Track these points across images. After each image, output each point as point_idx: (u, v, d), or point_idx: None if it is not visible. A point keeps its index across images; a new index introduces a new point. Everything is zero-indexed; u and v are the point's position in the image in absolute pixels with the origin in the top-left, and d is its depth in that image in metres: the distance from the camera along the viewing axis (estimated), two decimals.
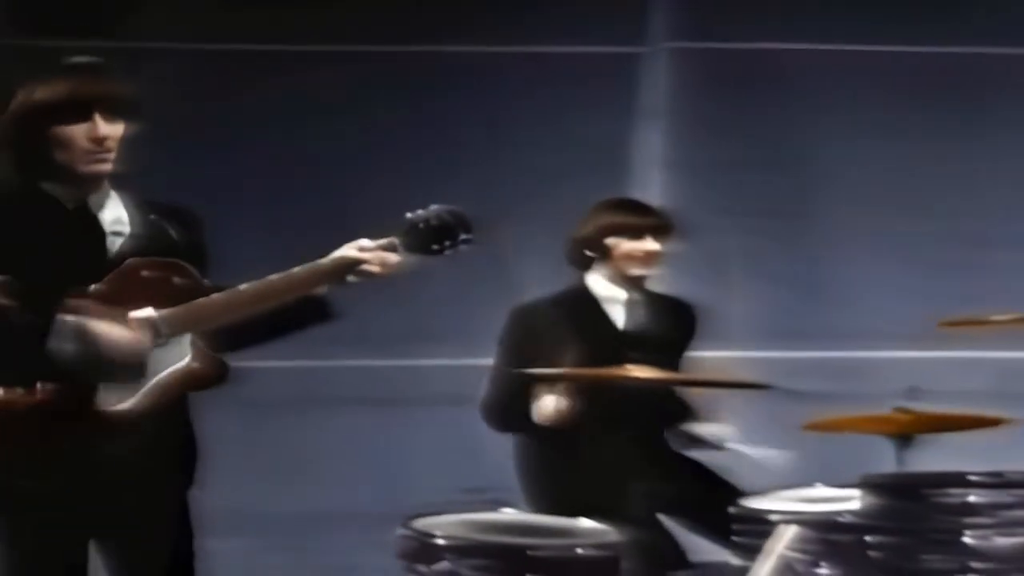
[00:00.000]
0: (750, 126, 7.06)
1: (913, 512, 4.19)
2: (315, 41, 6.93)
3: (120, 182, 3.88)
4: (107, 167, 3.77)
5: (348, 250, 3.84)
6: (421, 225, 3.87)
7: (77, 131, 3.72)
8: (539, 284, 5.48)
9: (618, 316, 5.14)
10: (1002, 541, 4.13)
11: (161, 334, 3.73)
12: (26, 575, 3.72)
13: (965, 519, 4.13)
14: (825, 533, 4.25)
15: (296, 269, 3.83)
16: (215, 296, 3.78)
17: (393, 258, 3.85)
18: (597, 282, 5.17)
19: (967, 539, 4.14)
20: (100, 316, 3.67)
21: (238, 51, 6.93)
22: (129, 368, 3.68)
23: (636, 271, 5.12)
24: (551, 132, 6.97)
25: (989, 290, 5.82)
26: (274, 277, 3.82)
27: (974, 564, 4.13)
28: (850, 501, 4.29)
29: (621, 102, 7.10)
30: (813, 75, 7.02)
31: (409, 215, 3.90)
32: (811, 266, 6.93)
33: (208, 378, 3.81)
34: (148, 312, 3.72)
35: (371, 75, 6.93)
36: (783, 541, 4.21)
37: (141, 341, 3.70)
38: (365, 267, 3.84)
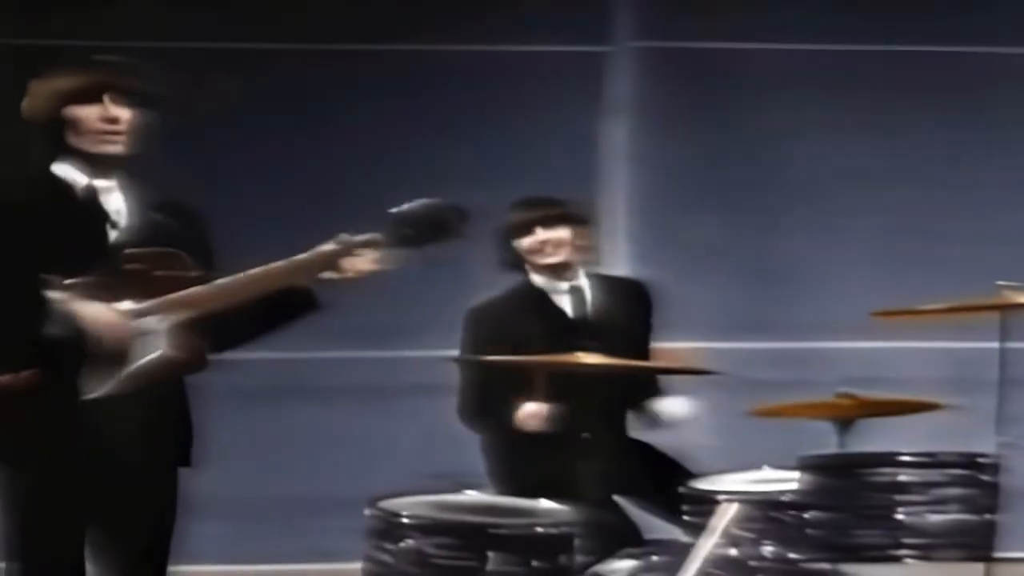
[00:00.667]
0: (711, 123, 7.23)
1: (848, 490, 4.28)
2: (294, 40, 7.06)
3: (126, 175, 4.02)
4: (118, 148, 3.92)
5: (327, 245, 3.94)
6: (405, 219, 3.94)
7: (89, 112, 3.89)
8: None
9: (566, 305, 5.20)
10: (933, 518, 4.24)
11: (144, 323, 3.85)
12: (25, 549, 3.87)
13: (897, 497, 4.23)
14: (767, 511, 4.36)
15: (275, 263, 3.94)
16: (197, 288, 3.90)
17: (367, 260, 3.94)
18: (537, 277, 5.23)
19: (899, 516, 4.24)
20: (89, 303, 3.80)
21: (223, 50, 7.03)
22: (113, 354, 3.81)
23: (543, 261, 5.14)
24: (521, 129, 7.14)
25: (938, 281, 5.93)
26: (254, 270, 3.93)
27: (906, 540, 4.23)
28: (792, 482, 4.37)
29: (587, 99, 7.27)
30: (773, 73, 7.22)
31: (395, 210, 3.96)
32: (770, 259, 7.10)
33: (187, 365, 3.93)
34: (133, 303, 3.85)
35: (346, 74, 7.04)
36: (726, 518, 4.34)
37: (126, 329, 3.83)
38: (341, 263, 3.92)
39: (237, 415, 6.57)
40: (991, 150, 6.88)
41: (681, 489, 4.60)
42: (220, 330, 3.93)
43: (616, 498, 5.03)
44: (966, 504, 4.26)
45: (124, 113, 3.93)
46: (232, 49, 7.07)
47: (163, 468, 4.00)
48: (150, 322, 3.88)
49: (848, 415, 4.74)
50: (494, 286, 5.35)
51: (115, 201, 3.98)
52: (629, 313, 5.24)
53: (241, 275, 3.93)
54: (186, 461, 4.06)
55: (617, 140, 7.32)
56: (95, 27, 6.61)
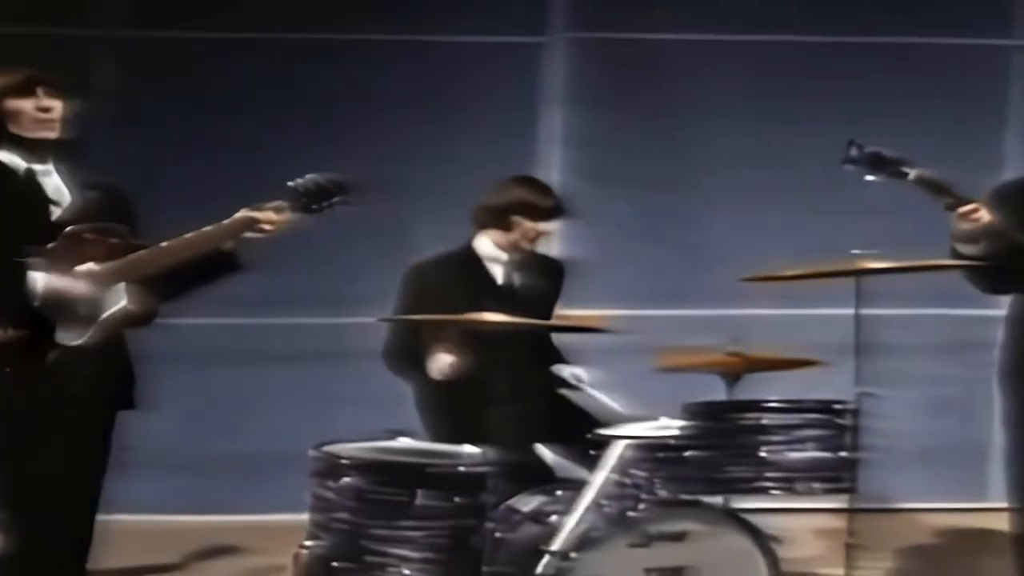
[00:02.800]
0: (639, 108, 7.53)
1: (721, 432, 4.79)
2: (240, 30, 7.31)
3: (60, 158, 4.50)
4: (52, 134, 4.45)
5: (245, 211, 4.48)
6: (300, 190, 4.51)
7: (25, 104, 4.43)
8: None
9: (498, 274, 5.61)
10: (792, 455, 4.75)
11: (104, 283, 4.38)
12: (16, 487, 4.39)
13: (762, 437, 4.74)
14: (654, 452, 4.85)
15: (206, 228, 4.48)
16: (143, 251, 4.42)
17: (278, 217, 4.49)
18: (485, 244, 5.60)
19: (763, 453, 4.76)
20: (56, 270, 4.33)
21: (162, 39, 7.28)
22: (83, 312, 4.36)
23: (527, 246, 5.59)
24: (462, 113, 7.41)
25: (833, 250, 6.13)
26: (189, 234, 4.46)
27: (769, 474, 4.75)
28: (678, 427, 4.88)
29: (525, 87, 7.57)
30: (694, 62, 7.52)
31: (290, 182, 4.52)
32: (688, 233, 7.42)
33: (142, 317, 4.48)
34: (92, 266, 4.38)
35: (290, 62, 7.31)
36: (614, 457, 4.86)
37: (90, 290, 4.37)
38: (258, 225, 4.47)
39: (194, 378, 7.02)
40: (892, 133, 6.82)
41: (588, 436, 5.07)
42: (165, 286, 4.48)
43: (534, 444, 5.45)
44: (823, 443, 4.75)
45: (56, 103, 4.44)
46: (173, 39, 7.26)
47: (114, 410, 4.53)
48: (109, 283, 4.39)
49: (736, 370, 5.11)
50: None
51: (53, 182, 4.48)
52: (547, 286, 5.69)
53: (179, 238, 4.43)
54: (131, 404, 4.57)
55: (552, 124, 7.56)
56: (29, 15, 6.89)
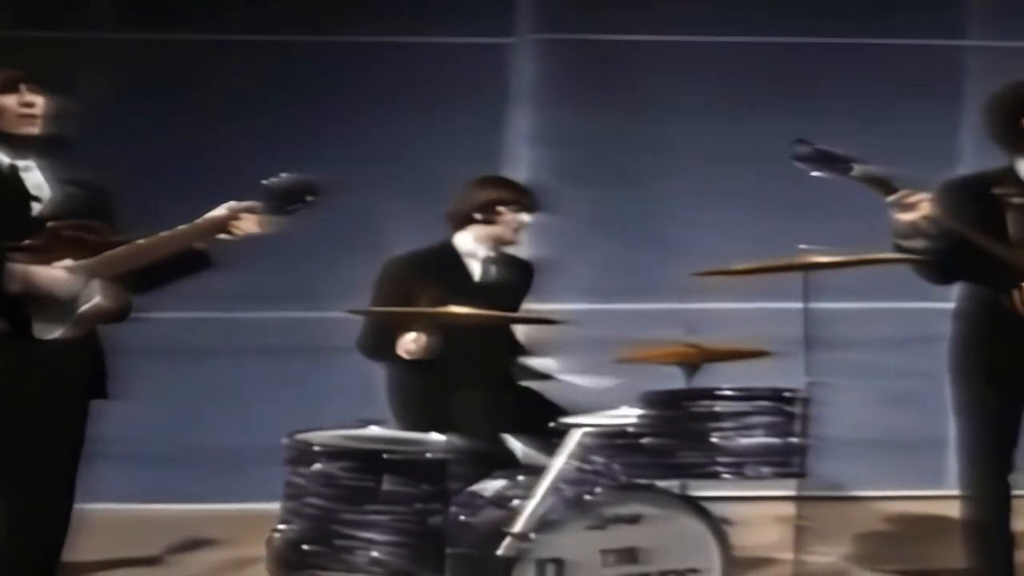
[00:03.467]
0: (604, 108, 7.65)
1: (675, 420, 4.94)
2: (213, 33, 7.46)
3: (42, 154, 4.60)
4: (34, 130, 4.55)
5: (219, 210, 4.57)
6: (274, 190, 4.59)
7: (9, 100, 4.48)
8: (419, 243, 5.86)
9: (476, 270, 5.77)
10: (743, 441, 4.90)
11: (81, 279, 4.47)
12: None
13: (713, 424, 4.89)
14: (613, 439, 5.00)
15: (181, 226, 4.58)
16: (121, 248, 4.51)
17: (252, 223, 4.57)
18: (464, 241, 5.76)
19: (715, 439, 4.91)
20: (35, 265, 4.42)
21: (141, 41, 7.42)
22: (61, 306, 4.47)
23: (512, 238, 5.79)
24: (433, 112, 7.51)
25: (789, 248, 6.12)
26: (165, 233, 4.56)
27: (720, 459, 4.90)
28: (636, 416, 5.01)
29: (493, 86, 7.70)
30: (657, 63, 7.66)
31: (264, 182, 4.59)
32: (653, 230, 7.54)
33: (116, 312, 4.57)
34: (70, 262, 4.46)
35: (264, 64, 7.44)
36: (572, 443, 4.99)
37: (68, 284, 4.46)
38: (231, 225, 4.56)
39: (171, 371, 7.10)
40: (850, 131, 6.60)
41: (551, 424, 5.23)
42: (137, 280, 4.57)
43: (500, 433, 5.55)
44: (772, 430, 4.90)
45: (39, 99, 4.53)
46: (154, 40, 7.38)
47: (87, 399, 4.62)
48: (86, 278, 4.48)
49: (693, 360, 5.30)
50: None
51: (34, 178, 4.58)
52: (518, 284, 5.86)
53: (156, 236, 4.51)
54: (103, 394, 4.67)
55: (520, 123, 7.68)
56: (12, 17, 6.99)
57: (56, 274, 4.45)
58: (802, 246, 5.04)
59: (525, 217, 5.77)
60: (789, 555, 5.33)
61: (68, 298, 4.46)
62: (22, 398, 4.44)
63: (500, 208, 5.72)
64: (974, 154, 5.87)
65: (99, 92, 6.81)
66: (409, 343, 5.47)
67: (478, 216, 5.73)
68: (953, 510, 5.50)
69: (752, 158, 7.24)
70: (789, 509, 5.40)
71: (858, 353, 7.40)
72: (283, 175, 4.63)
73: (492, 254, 5.78)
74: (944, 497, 5.71)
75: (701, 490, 5.08)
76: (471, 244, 5.77)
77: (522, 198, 5.79)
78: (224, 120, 7.25)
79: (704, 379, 5.30)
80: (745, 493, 5.76)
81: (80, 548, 4.81)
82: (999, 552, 5.41)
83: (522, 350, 5.85)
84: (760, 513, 5.85)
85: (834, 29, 7.63)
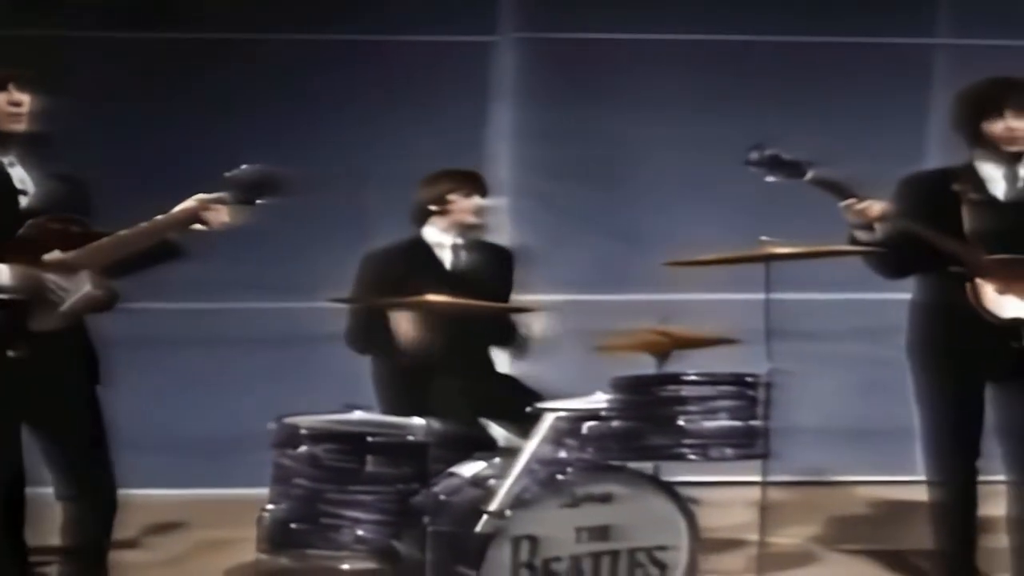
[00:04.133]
0: (583, 104, 7.77)
1: (643, 404, 5.07)
2: (203, 31, 7.56)
3: (28, 149, 4.71)
4: (20, 127, 4.67)
5: (188, 202, 4.69)
6: (236, 181, 4.69)
7: None
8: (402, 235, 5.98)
9: (447, 260, 5.95)
10: (707, 423, 5.03)
11: (70, 270, 4.59)
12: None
13: (679, 408, 5.02)
14: (585, 422, 5.14)
15: (158, 217, 4.69)
16: (105, 239, 4.62)
17: (222, 214, 4.68)
18: (431, 233, 5.93)
19: (681, 422, 5.02)
20: (23, 259, 4.54)
21: (122, 39, 7.51)
22: (51, 299, 4.60)
23: (470, 220, 5.89)
24: (418, 108, 7.64)
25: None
26: (144, 224, 4.66)
27: (686, 441, 5.03)
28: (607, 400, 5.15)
29: (475, 84, 7.83)
30: (633, 61, 7.80)
31: (226, 174, 4.70)
32: (629, 222, 7.65)
33: (106, 301, 4.69)
34: (58, 254, 4.59)
35: (251, 62, 7.51)
36: (545, 428, 5.15)
37: (58, 276, 4.60)
38: (202, 215, 4.67)
39: (157, 360, 7.21)
40: (819, 127, 7.16)
41: (528, 410, 5.37)
42: (113, 269, 4.67)
43: (478, 418, 5.75)
44: (735, 413, 5.05)
45: (25, 98, 4.65)
46: (138, 39, 7.46)
47: (84, 385, 4.76)
48: (74, 269, 4.61)
49: (663, 348, 5.42)
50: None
51: (18, 173, 4.69)
52: (494, 271, 5.99)
53: (136, 227, 4.62)
54: (97, 379, 4.80)
55: (501, 119, 7.81)
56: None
57: (42, 269, 4.58)
58: (763, 238, 5.18)
59: (479, 200, 5.95)
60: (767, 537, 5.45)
61: (59, 290, 4.58)
62: (24, 392, 4.56)
63: (450, 196, 5.89)
64: (940, 151, 5.94)
65: (80, 89, 6.78)
66: (406, 327, 5.63)
67: (433, 208, 5.93)
68: (921, 494, 5.62)
69: (726, 152, 7.00)
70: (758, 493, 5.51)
71: (832, 343, 7.66)
72: (244, 167, 4.73)
73: (460, 241, 5.94)
74: (912, 482, 5.83)
75: (677, 475, 5.22)
76: (437, 235, 5.95)
77: (470, 183, 5.94)
78: (208, 117, 7.33)
79: (675, 366, 5.41)
80: (721, 478, 5.96)
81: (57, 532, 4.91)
82: (963, 534, 5.54)
83: (508, 337, 5.99)
84: (735, 496, 5.96)
85: (804, 28, 7.76)
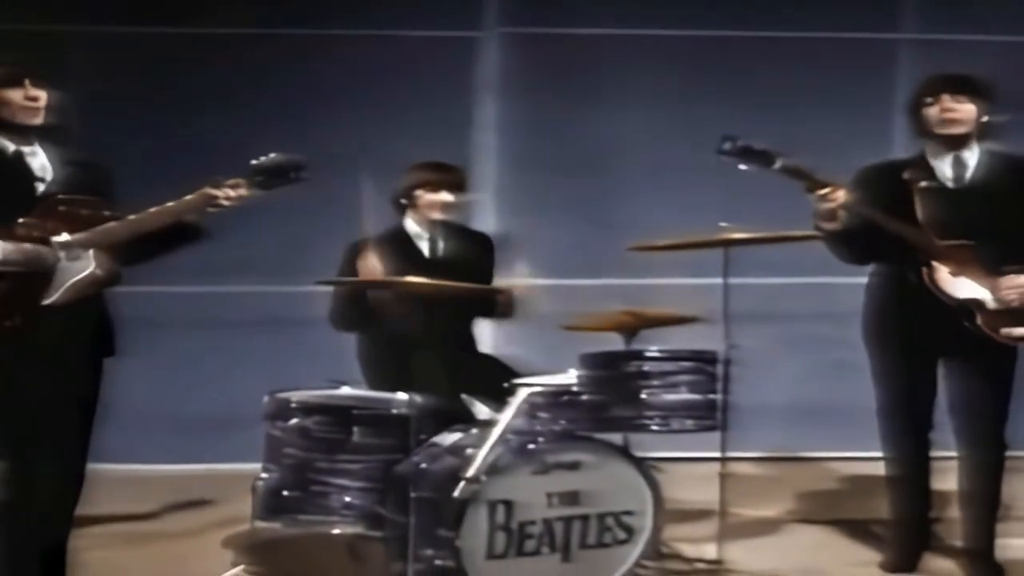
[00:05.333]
0: (565, 97, 7.95)
1: (609, 379, 5.31)
2: (200, 26, 7.73)
3: (46, 139, 4.90)
4: (37, 120, 4.86)
5: (206, 188, 4.86)
6: (261, 168, 4.89)
7: (15, 94, 4.74)
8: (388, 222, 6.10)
9: (424, 248, 6.08)
10: (668, 396, 5.25)
11: (76, 250, 4.78)
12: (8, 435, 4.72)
13: (643, 382, 5.26)
14: (556, 397, 5.39)
15: (170, 202, 4.81)
16: (113, 222, 4.80)
17: (235, 194, 4.84)
18: (410, 224, 6.16)
19: (644, 396, 5.25)
20: (31, 238, 4.72)
21: (130, 34, 7.65)
22: (55, 274, 4.76)
23: (435, 216, 6.02)
24: (406, 102, 7.81)
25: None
26: (154, 208, 4.79)
27: (648, 413, 5.25)
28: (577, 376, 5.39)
29: (461, 78, 7.95)
30: (614, 55, 7.97)
31: (253, 161, 4.89)
32: (608, 211, 7.81)
33: (107, 280, 4.86)
34: (66, 236, 4.77)
35: (245, 57, 7.63)
36: (519, 401, 5.39)
37: (62, 256, 4.77)
38: (217, 199, 4.83)
39: (162, 341, 7.35)
40: (788, 121, 7.26)
41: (505, 385, 5.61)
42: (131, 252, 4.83)
43: (457, 393, 5.96)
44: (694, 387, 5.31)
45: (42, 93, 4.76)
46: (139, 33, 7.61)
47: (96, 357, 4.94)
48: (80, 250, 4.78)
49: (630, 327, 5.66)
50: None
51: (39, 161, 4.88)
52: (473, 258, 6.20)
53: (146, 211, 4.77)
54: (111, 351, 4.99)
55: (486, 112, 7.97)
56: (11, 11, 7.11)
57: (49, 248, 4.75)
58: (722, 224, 5.47)
59: (445, 196, 6.04)
60: (729, 509, 5.73)
61: (61, 267, 4.74)
62: (28, 359, 4.69)
63: (417, 192, 6.03)
64: (907, 143, 5.98)
65: (96, 82, 7.09)
66: (371, 264, 5.83)
67: (404, 201, 6.14)
68: (883, 469, 5.88)
69: (700, 144, 7.13)
70: (731, 468, 5.77)
71: (797, 325, 7.89)
72: (272, 155, 4.93)
73: (431, 232, 6.13)
74: (875, 458, 5.97)
75: (652, 451, 5.44)
76: (413, 226, 6.16)
77: (438, 179, 6.04)
78: (195, 112, 7.46)
79: (642, 344, 5.66)
80: (694, 454, 6.20)
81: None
82: (917, 504, 5.80)
83: (492, 310, 6.18)
84: (708, 471, 6.03)
85: (774, 24, 7.93)
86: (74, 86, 4.98)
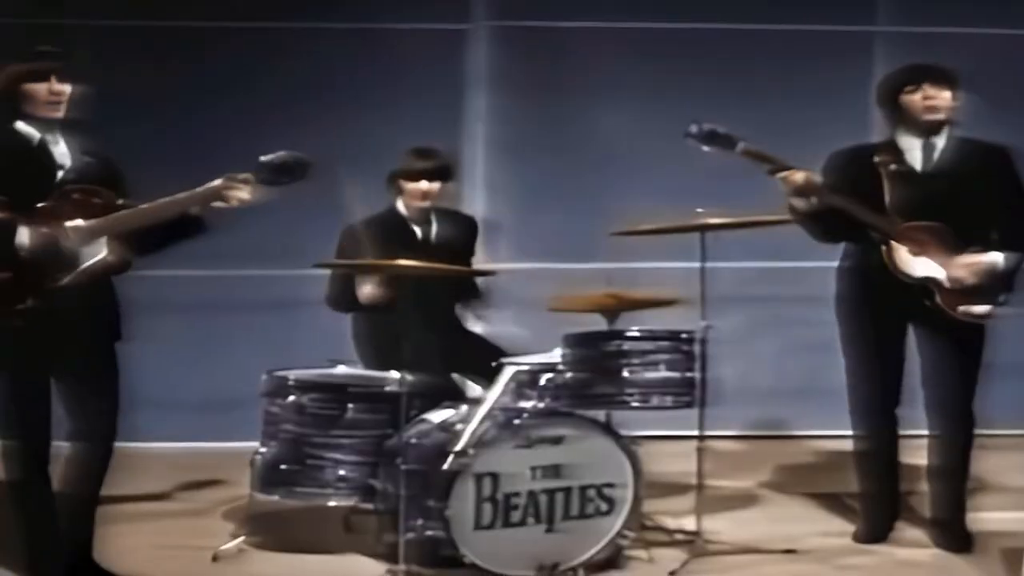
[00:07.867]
0: (552, 88, 8.09)
1: (591, 357, 5.43)
2: (199, 19, 7.83)
3: (66, 130, 5.04)
4: (60, 113, 5.01)
5: (215, 181, 5.01)
6: (270, 165, 5.01)
7: (40, 88, 4.88)
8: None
9: (417, 230, 6.20)
10: (648, 374, 5.42)
11: (87, 237, 4.92)
12: (11, 399, 4.87)
13: (623, 361, 5.43)
14: (541, 374, 5.55)
15: (180, 194, 4.94)
16: (124, 211, 4.95)
17: (244, 191, 4.97)
18: (401, 206, 6.22)
19: (625, 373, 5.42)
20: (48, 224, 4.87)
21: (140, 28, 7.75)
22: (67, 259, 4.91)
23: (416, 204, 6.15)
24: (397, 93, 7.94)
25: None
26: (164, 199, 4.93)
27: (628, 390, 5.42)
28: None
29: (450, 69, 8.05)
30: (599, 47, 8.09)
31: (262, 158, 5.01)
32: (592, 198, 7.90)
33: (118, 267, 5.01)
34: (79, 222, 4.87)
35: (242, 49, 7.78)
36: (506, 379, 5.56)
37: (74, 241, 4.92)
38: (225, 193, 4.96)
39: (168, 323, 7.49)
40: (768, 111, 7.48)
41: (493, 364, 5.79)
42: (141, 241, 4.97)
43: (447, 371, 6.11)
44: (671, 366, 5.48)
45: (65, 88, 4.90)
46: (146, 27, 7.72)
47: (106, 340, 5.08)
48: (92, 236, 4.93)
49: (612, 308, 5.83)
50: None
51: (60, 150, 4.93)
52: (460, 238, 6.40)
53: (156, 202, 4.91)
54: (119, 335, 5.13)
55: (475, 103, 8.07)
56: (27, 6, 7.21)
57: (61, 233, 4.89)
58: (699, 209, 5.62)
59: (424, 185, 6.13)
60: (708, 481, 5.89)
61: (73, 252, 4.88)
62: (39, 341, 4.81)
63: (401, 180, 6.14)
64: (883, 133, 6.08)
65: (111, 76, 6.93)
66: (367, 291, 5.98)
67: (395, 189, 6.30)
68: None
69: (681, 133, 7.40)
70: (714, 445, 5.96)
71: (777, 307, 8.05)
72: (280, 152, 5.00)
73: (418, 217, 6.27)
74: (850, 436, 6.10)
75: (635, 430, 5.58)
76: (403, 209, 6.31)
77: (416, 168, 6.12)
78: (187, 105, 7.59)
79: (623, 325, 5.83)
80: (674, 432, 6.30)
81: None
82: (885, 477, 5.98)
83: (473, 294, 6.37)
84: (686, 447, 6.13)
85: (753, 16, 8.06)
86: (94, 80, 5.11)
